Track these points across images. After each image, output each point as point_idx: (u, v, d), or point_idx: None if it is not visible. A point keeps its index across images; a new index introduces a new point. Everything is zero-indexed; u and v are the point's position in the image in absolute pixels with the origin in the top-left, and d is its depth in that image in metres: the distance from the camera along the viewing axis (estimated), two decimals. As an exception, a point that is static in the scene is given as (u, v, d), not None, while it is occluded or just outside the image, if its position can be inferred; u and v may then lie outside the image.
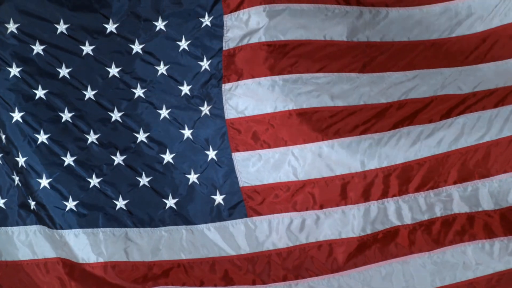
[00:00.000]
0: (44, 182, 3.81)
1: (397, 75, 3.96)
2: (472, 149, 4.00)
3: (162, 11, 3.75)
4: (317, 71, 3.94)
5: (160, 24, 3.76)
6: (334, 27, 3.91)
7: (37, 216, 3.83)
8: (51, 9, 3.68)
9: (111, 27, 3.73)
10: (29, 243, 3.85)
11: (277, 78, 3.91)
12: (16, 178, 3.80)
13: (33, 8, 3.67)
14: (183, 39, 3.80)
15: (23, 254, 3.85)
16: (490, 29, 3.86)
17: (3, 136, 3.76)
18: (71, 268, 3.88)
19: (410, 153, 4.01)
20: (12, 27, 3.67)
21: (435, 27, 3.86)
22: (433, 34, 3.88)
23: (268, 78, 3.90)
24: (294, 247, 4.00)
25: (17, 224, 3.84)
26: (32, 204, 3.81)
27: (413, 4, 3.85)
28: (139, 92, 3.82)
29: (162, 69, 3.81)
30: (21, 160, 3.76)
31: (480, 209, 3.99)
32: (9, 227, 3.83)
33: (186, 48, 3.81)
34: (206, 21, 3.80)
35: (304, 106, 3.95)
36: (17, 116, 3.74)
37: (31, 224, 3.85)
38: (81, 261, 3.87)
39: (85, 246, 3.87)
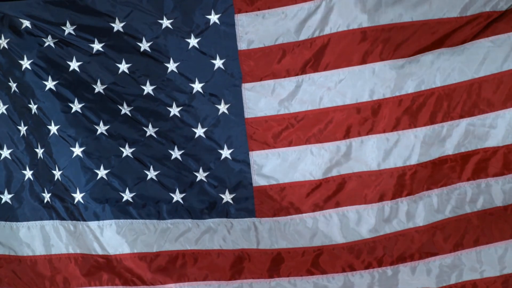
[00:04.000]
0: (57, 173, 3.92)
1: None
2: (485, 149, 3.89)
3: (165, 9, 3.78)
4: (331, 68, 3.87)
5: (165, 22, 3.79)
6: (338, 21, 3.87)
7: (49, 209, 3.94)
8: (56, 12, 3.78)
9: (118, 26, 3.79)
10: (36, 237, 3.97)
11: (299, 78, 3.88)
12: (29, 173, 3.91)
13: (38, 13, 3.79)
14: (192, 37, 3.81)
15: (32, 249, 3.98)
16: None
17: (25, 128, 3.91)
18: (83, 262, 3.98)
19: (425, 155, 3.91)
20: (26, 22, 3.79)
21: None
22: None
23: (292, 78, 3.88)
24: (303, 249, 3.95)
25: (27, 219, 3.97)
26: (47, 197, 3.92)
27: None
28: (148, 89, 3.87)
29: (172, 66, 3.83)
30: (40, 152, 3.90)
31: (493, 206, 3.87)
32: (19, 222, 3.97)
33: (196, 45, 3.82)
34: (214, 18, 3.79)
35: (325, 106, 3.90)
36: (33, 107, 3.87)
37: (43, 219, 3.97)
38: (93, 253, 3.96)
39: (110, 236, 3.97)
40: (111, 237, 3.98)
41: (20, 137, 3.93)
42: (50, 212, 3.95)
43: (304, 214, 3.94)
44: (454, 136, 3.88)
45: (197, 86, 3.87)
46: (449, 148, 3.89)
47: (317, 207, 3.94)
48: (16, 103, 3.92)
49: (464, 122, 3.87)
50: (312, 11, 3.82)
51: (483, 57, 3.82)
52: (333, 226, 3.94)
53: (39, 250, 3.97)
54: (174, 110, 3.89)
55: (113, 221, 3.97)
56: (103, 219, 3.96)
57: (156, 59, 3.84)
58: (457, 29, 3.81)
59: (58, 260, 3.96)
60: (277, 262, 3.98)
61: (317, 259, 3.95)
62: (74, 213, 3.95)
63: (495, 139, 3.85)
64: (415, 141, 3.89)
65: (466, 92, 3.86)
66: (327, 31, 3.85)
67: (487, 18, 3.78)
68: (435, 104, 3.87)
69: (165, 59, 3.84)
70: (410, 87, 3.87)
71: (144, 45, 3.81)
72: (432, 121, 3.88)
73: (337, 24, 3.84)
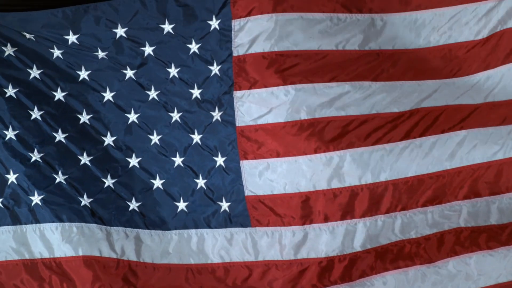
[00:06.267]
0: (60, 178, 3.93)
1: (410, 83, 3.81)
2: (484, 165, 3.80)
3: (168, 14, 3.78)
4: (330, 81, 3.82)
5: (167, 27, 3.80)
6: (346, 36, 3.81)
7: (36, 213, 3.90)
8: (58, 21, 3.78)
9: (120, 31, 3.81)
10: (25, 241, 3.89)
11: (289, 87, 3.83)
12: (13, 176, 3.84)
13: (40, 24, 3.78)
14: (193, 42, 3.82)
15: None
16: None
17: (14, 133, 3.85)
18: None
19: (422, 166, 3.83)
20: (29, 35, 3.79)
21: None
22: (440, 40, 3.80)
23: (281, 87, 3.82)
24: (295, 261, 3.88)
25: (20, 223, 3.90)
26: (36, 200, 3.87)
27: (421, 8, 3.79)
28: (153, 94, 3.89)
29: (173, 71, 3.85)
30: (36, 156, 3.87)
31: (487, 224, 3.80)
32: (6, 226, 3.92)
33: (197, 51, 3.83)
34: (214, 24, 3.79)
35: (316, 116, 3.83)
36: (36, 114, 3.86)
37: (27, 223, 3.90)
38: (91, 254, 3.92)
39: (97, 241, 3.93)
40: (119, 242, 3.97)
41: (5, 140, 3.86)
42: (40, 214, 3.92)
43: (293, 227, 3.87)
44: (455, 149, 3.83)
45: (196, 92, 3.88)
46: (447, 164, 3.83)
47: (307, 220, 3.87)
48: (13, 107, 3.88)
49: (464, 132, 3.84)
50: (316, 22, 3.80)
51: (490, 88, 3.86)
52: (323, 239, 3.86)
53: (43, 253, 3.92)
54: (176, 116, 3.90)
55: (120, 228, 3.95)
56: (109, 225, 3.95)
57: (159, 64, 3.86)
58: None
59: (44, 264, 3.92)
60: (272, 276, 3.92)
61: (304, 273, 3.88)
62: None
63: (497, 153, 3.82)
64: (417, 151, 3.82)
65: (471, 110, 3.85)
66: (333, 46, 3.82)
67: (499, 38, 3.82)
68: (442, 118, 3.86)
69: (167, 64, 3.86)
70: (414, 104, 3.84)
71: (148, 50, 3.84)
72: (433, 132, 3.85)
73: (349, 41, 3.82)
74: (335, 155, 3.83)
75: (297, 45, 3.81)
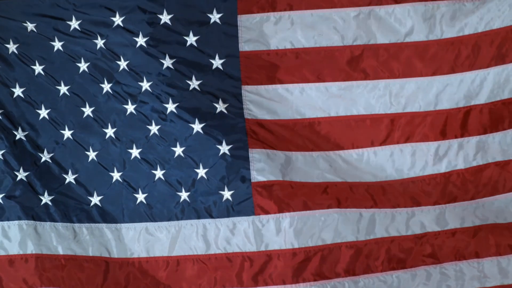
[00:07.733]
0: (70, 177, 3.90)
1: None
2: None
3: (166, 4, 3.77)
4: (344, 80, 3.88)
5: (165, 17, 3.79)
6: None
7: (47, 212, 3.86)
8: (62, 7, 3.76)
9: (117, 20, 3.78)
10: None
11: (306, 85, 3.86)
12: (24, 174, 3.82)
13: (44, 10, 3.77)
14: (191, 34, 3.82)
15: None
16: None
17: (23, 133, 3.83)
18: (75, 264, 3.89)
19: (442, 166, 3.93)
20: (31, 26, 3.77)
21: None
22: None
23: (300, 84, 3.87)
24: (299, 249, 3.87)
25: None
26: (48, 199, 3.85)
27: None
28: (145, 85, 3.85)
29: (168, 62, 3.83)
30: (45, 157, 3.85)
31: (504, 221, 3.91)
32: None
33: (194, 43, 3.82)
34: (215, 17, 3.80)
35: (333, 114, 3.90)
36: (43, 113, 3.84)
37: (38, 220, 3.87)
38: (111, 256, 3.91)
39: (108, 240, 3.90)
40: (130, 240, 3.93)
41: (15, 140, 3.84)
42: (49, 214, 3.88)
43: (302, 212, 3.87)
44: (466, 150, 3.91)
45: (194, 83, 3.86)
46: (460, 163, 3.92)
47: (317, 207, 3.88)
48: (21, 108, 3.87)
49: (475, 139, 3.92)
50: (325, 19, 3.83)
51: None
52: (332, 225, 3.87)
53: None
54: (171, 107, 3.88)
55: (130, 224, 3.91)
56: (118, 222, 3.92)
57: (152, 55, 3.83)
58: None
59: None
60: (274, 267, 3.91)
61: (308, 263, 3.88)
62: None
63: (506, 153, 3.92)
64: (428, 153, 3.90)
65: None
66: (344, 42, 3.85)
67: None
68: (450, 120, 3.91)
69: (160, 55, 3.83)
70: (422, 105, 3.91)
71: (141, 41, 3.80)
72: (443, 136, 3.91)
73: (361, 37, 3.86)
74: (353, 152, 3.90)
75: (314, 42, 3.84)
